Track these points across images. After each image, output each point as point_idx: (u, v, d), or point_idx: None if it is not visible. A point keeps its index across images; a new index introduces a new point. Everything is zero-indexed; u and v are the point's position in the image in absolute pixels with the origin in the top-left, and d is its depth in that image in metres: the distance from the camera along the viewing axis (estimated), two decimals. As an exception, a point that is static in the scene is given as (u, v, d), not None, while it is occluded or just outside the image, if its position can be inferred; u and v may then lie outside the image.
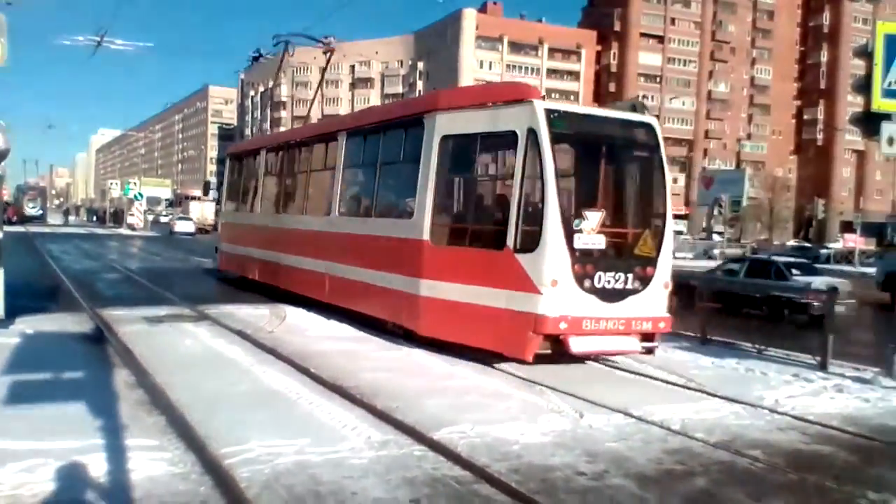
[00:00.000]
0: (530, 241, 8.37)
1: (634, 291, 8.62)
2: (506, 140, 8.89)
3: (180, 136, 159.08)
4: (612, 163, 9.78)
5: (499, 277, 8.60)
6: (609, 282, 8.46)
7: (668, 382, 8.26)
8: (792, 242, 62.43)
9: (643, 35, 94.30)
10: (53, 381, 7.03)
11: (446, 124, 9.52)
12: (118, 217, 64.60)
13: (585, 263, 8.33)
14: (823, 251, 48.13)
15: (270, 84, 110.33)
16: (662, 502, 4.71)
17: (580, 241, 8.31)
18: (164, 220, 57.41)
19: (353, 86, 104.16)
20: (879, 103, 8.87)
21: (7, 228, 10.87)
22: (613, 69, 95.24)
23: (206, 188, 54.38)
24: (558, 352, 8.42)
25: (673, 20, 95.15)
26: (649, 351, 9.07)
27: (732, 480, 5.18)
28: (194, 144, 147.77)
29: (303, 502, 4.42)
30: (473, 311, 8.84)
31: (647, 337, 8.94)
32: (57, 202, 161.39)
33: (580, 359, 9.01)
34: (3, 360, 7.70)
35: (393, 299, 10.26)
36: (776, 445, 6.09)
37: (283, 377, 7.63)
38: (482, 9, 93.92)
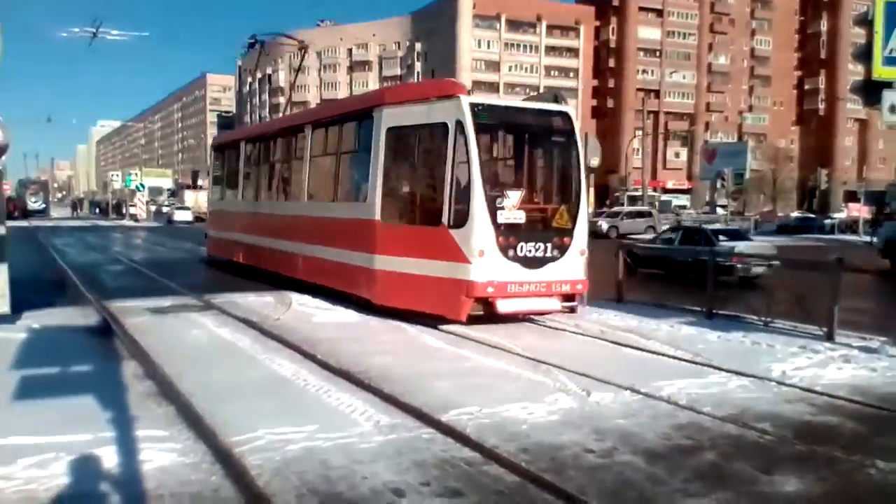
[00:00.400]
0: (460, 218, 9.66)
1: (553, 259, 9.99)
2: (439, 130, 10.04)
3: (179, 125, 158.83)
4: (531, 147, 11.25)
5: (437, 250, 9.90)
6: (530, 251, 9.82)
7: (674, 357, 8.26)
8: (796, 213, 62.22)
9: (642, 9, 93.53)
10: (61, 375, 7.07)
11: (391, 117, 10.77)
12: (121, 209, 64.69)
13: (508, 236, 9.66)
14: (828, 221, 48.04)
15: (268, 71, 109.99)
16: (672, 477, 4.73)
17: (503, 217, 9.61)
18: (165, 210, 57.69)
19: (350, 69, 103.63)
20: (880, 71, 8.80)
21: (10, 223, 10.88)
22: (612, 44, 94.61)
23: (195, 178, 54.51)
24: (489, 313, 9.74)
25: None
26: (571, 310, 10.47)
27: (741, 454, 5.19)
28: (194, 133, 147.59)
29: (314, 488, 4.44)
30: (418, 280, 10.17)
31: (568, 297, 10.35)
32: (59, 195, 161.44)
33: (509, 318, 10.18)
34: (10, 356, 7.73)
35: (353, 274, 11.52)
36: (784, 417, 6.10)
37: (290, 364, 7.65)
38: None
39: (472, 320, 9.77)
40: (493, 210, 9.56)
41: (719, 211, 52.58)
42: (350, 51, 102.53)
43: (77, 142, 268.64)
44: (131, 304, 11.75)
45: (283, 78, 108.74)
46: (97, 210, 80.00)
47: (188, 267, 20.20)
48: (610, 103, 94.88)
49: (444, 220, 9.82)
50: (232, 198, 18.66)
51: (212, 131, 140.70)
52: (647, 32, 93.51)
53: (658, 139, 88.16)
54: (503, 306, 9.75)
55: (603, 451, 5.20)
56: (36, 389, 6.43)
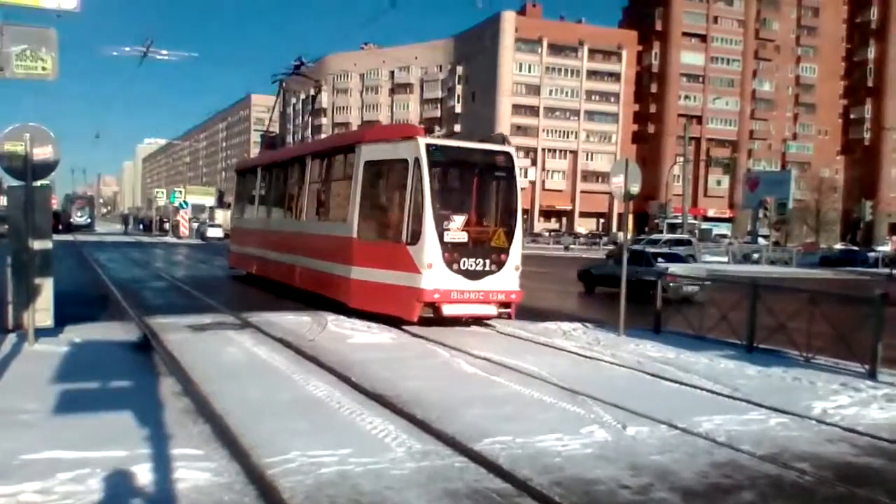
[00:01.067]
0: (415, 237, 11.74)
1: (491, 272, 12.03)
2: (402, 165, 12.13)
3: (224, 144, 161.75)
4: (477, 179, 13.12)
5: (397, 263, 11.97)
6: (471, 265, 11.88)
7: (713, 392, 8.10)
8: (839, 245, 60.94)
9: (685, 34, 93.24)
10: (101, 390, 7.18)
11: (368, 152, 12.98)
12: (164, 225, 65.89)
13: (453, 252, 11.75)
14: (872, 254, 46.95)
15: (312, 92, 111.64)
16: (708, 517, 4.62)
17: (448, 237, 11.78)
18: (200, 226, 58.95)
19: (392, 91, 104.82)
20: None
21: (55, 237, 11.15)
22: (655, 69, 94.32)
23: (221, 198, 56.09)
24: (437, 316, 11.81)
25: (716, 18, 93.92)
26: (507, 315, 12.49)
27: (780, 494, 5.06)
28: (238, 152, 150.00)
29: (345, 514, 4.43)
30: (382, 287, 12.22)
31: (504, 305, 12.36)
32: (105, 210, 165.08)
33: (452, 320, 12.13)
34: (52, 369, 7.88)
35: (335, 282, 13.62)
36: (825, 458, 5.94)
37: (324, 385, 7.68)
38: (521, 11, 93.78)
39: (423, 321, 11.80)
40: (440, 231, 11.70)
41: (761, 241, 51.70)
42: (392, 73, 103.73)
43: (123, 158, 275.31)
44: (171, 321, 11.93)
45: (325, 99, 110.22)
46: (141, 226, 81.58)
47: (227, 284, 20.47)
48: (651, 129, 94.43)
49: (403, 238, 11.97)
50: (248, 216, 21.00)
51: (255, 150, 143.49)
52: (690, 58, 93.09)
53: (699, 166, 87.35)
54: (447, 310, 11.87)
55: (639, 487, 5.10)
56: (75, 403, 6.54)
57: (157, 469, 4.97)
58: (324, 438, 5.75)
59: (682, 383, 8.53)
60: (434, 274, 11.60)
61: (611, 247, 44.68)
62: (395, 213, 12.59)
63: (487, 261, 12.04)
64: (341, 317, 12.81)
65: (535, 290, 22.99)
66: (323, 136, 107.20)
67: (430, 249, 11.60)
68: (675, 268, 18.69)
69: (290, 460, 5.23)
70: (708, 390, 8.19)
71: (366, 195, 12.99)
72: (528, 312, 13.46)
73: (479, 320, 12.77)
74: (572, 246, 61.46)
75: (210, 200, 79.30)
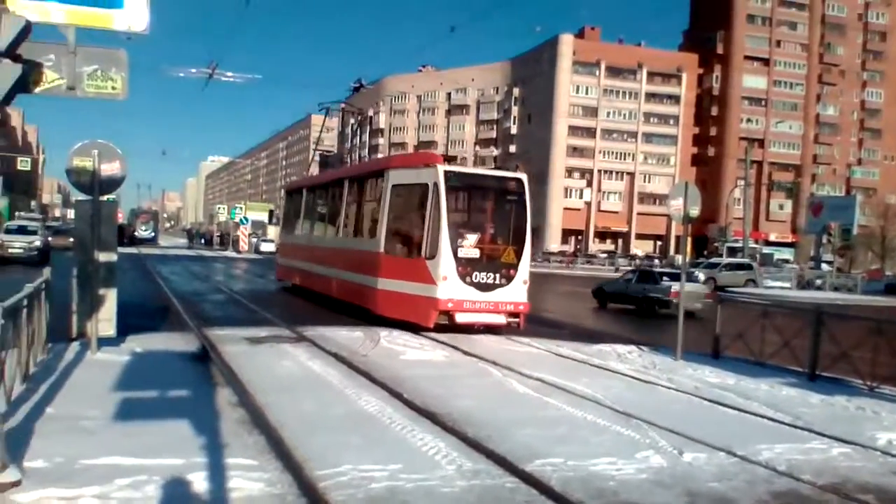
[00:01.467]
0: (433, 252, 13.18)
1: (501, 285, 13.45)
2: (423, 188, 13.59)
3: (284, 162, 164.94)
4: (490, 203, 14.75)
5: (417, 275, 13.39)
6: (483, 278, 13.30)
7: (774, 420, 7.86)
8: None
9: (747, 58, 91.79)
10: (160, 399, 7.34)
11: (395, 177, 14.53)
12: (224, 240, 67.36)
13: (466, 266, 13.19)
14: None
15: (370, 113, 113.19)
16: (768, 549, 4.46)
17: (462, 253, 13.22)
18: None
19: (448, 112, 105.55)
20: None
21: (120, 250, 11.48)
22: (716, 92, 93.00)
23: (271, 216, 58.23)
24: (451, 323, 13.15)
25: (779, 42, 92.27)
26: (516, 325, 13.81)
27: (845, 529, 4.86)
28: (297, 171, 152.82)
29: (394, 530, 4.41)
30: (404, 296, 13.69)
31: (513, 315, 13.71)
32: (168, 225, 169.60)
33: (466, 327, 13.47)
34: (113, 378, 8.08)
35: (365, 292, 15.01)
36: (890, 490, 5.70)
37: (376, 401, 7.70)
38: (580, 34, 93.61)
39: (438, 328, 13.17)
40: (455, 247, 13.15)
41: (824, 267, 50.17)
42: (449, 95, 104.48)
43: (187, 175, 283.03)
44: (229, 333, 12.15)
45: (383, 120, 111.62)
46: (202, 241, 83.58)
47: (282, 298, 20.76)
48: (711, 151, 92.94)
49: (423, 253, 13.43)
50: (294, 232, 22.78)
51: (314, 169, 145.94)
52: (752, 81, 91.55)
53: (761, 190, 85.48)
54: (460, 318, 13.26)
55: (694, 514, 4.97)
56: (135, 411, 6.69)
57: (212, 478, 5.05)
58: (375, 453, 5.75)
59: (741, 410, 8.29)
60: (449, 285, 13.07)
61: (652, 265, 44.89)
62: (416, 230, 13.89)
63: (498, 275, 13.48)
64: (394, 332, 12.89)
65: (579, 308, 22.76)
66: (380, 155, 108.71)
67: (445, 263, 13.09)
68: (677, 286, 18.81)
69: (341, 473, 5.25)
70: (769, 418, 7.95)
71: (392, 215, 14.50)
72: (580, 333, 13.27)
73: (507, 329, 13.91)
74: (623, 267, 60.79)
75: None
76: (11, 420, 6.03)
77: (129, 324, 10.98)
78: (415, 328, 13.32)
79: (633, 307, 22.39)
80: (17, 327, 7.09)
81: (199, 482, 4.96)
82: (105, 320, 9.77)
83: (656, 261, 69.22)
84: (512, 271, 13.59)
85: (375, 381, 8.70)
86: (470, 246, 13.41)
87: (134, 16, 5.69)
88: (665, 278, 22.21)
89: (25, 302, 7.54)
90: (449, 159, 15.04)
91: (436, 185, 13.21)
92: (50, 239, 33.33)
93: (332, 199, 19.34)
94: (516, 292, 13.61)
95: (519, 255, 13.77)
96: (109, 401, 6.97)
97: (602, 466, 5.81)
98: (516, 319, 13.81)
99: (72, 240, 35.33)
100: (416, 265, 13.55)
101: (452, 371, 9.94)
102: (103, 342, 9.60)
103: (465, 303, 13.18)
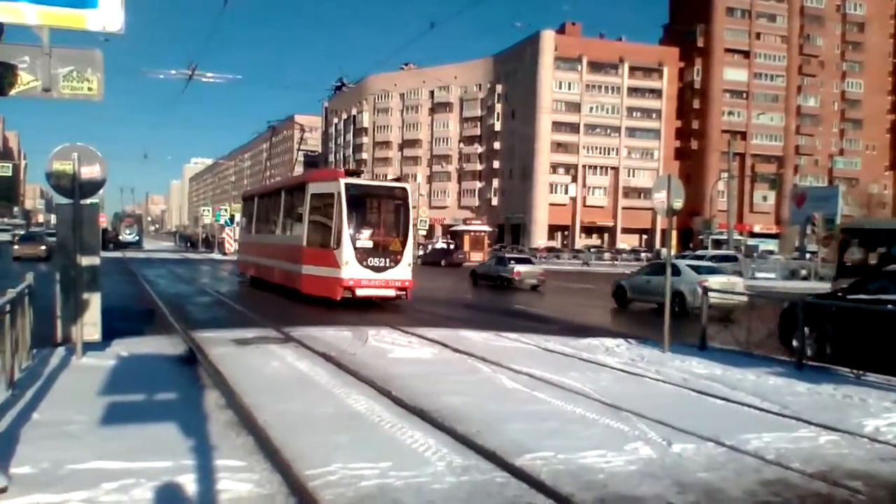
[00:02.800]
0: (338, 243, 17.43)
1: (390, 267, 17.81)
2: (331, 196, 17.96)
3: (268, 163, 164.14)
4: (379, 206, 19.19)
5: (327, 261, 17.74)
6: (376, 263, 17.62)
7: (761, 409, 7.89)
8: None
9: (728, 50, 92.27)
10: (147, 402, 7.29)
11: (313, 188, 19.14)
12: (210, 242, 67.02)
13: (363, 254, 17.46)
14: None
15: (353, 112, 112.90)
16: (758, 537, 4.48)
17: (359, 244, 17.54)
18: None
19: (432, 110, 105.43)
20: None
21: (103, 254, 11.39)
22: (697, 85, 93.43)
23: (232, 219, 60.49)
24: (353, 297, 17.34)
25: (758, 35, 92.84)
26: (404, 296, 18.23)
27: (834, 515, 4.90)
28: (282, 171, 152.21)
29: (385, 527, 4.40)
30: (320, 278, 18.04)
31: (400, 289, 18.05)
32: (153, 228, 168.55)
33: (365, 300, 17.82)
34: (99, 382, 8.03)
35: (294, 276, 19.57)
36: (878, 476, 5.74)
37: (365, 399, 7.68)
38: (560, 30, 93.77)
39: (343, 301, 17.30)
40: (354, 239, 17.52)
41: (808, 257, 50.56)
42: (432, 93, 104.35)
43: (171, 177, 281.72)
44: (216, 335, 12.10)
45: (367, 119, 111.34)
46: (187, 243, 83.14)
47: (271, 300, 20.67)
48: (694, 145, 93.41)
49: (332, 244, 17.72)
50: (248, 233, 27.66)
51: (298, 169, 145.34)
52: (733, 74, 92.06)
53: (744, 182, 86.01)
54: (360, 292, 17.54)
55: (684, 504, 4.98)
56: (122, 415, 6.64)
57: (201, 480, 5.01)
58: (364, 452, 5.74)
59: (729, 400, 8.33)
60: (350, 268, 17.32)
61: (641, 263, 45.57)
62: (326, 228, 18.17)
63: (387, 259, 17.86)
64: (382, 331, 12.88)
65: (579, 305, 22.81)
66: (364, 154, 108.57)
67: (346, 252, 17.36)
68: (518, 267, 30.48)
69: (331, 472, 5.23)
70: (756, 407, 7.98)
71: (311, 217, 19.01)
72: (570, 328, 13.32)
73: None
74: (616, 262, 61.57)
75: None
76: (-4, 427, 5.98)
77: (114, 328, 10.93)
78: (403, 327, 13.45)
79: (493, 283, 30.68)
80: (0, 333, 7.02)
81: (188, 484, 4.93)
82: (90, 325, 9.69)
83: (643, 254, 69.58)
84: (399, 257, 18.05)
85: (364, 380, 8.68)
86: (365, 238, 17.80)
87: (108, 16, 5.62)
88: (511, 262, 30.96)
89: (8, 308, 7.47)
90: (351, 173, 20.09)
91: (339, 193, 17.52)
92: (15, 247, 33.81)
93: (272, 206, 23.74)
94: (402, 272, 18.09)
95: (403, 244, 18.31)
96: (96, 405, 6.92)
97: (592, 459, 5.82)
98: (403, 292, 18.21)
99: (42, 248, 35.44)
100: (326, 254, 17.89)
101: (441, 368, 9.92)
102: (88, 347, 9.53)
103: (363, 281, 17.50)
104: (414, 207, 20.60)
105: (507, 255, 34.34)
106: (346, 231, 17.28)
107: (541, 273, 30.87)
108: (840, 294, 11.78)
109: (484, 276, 31.90)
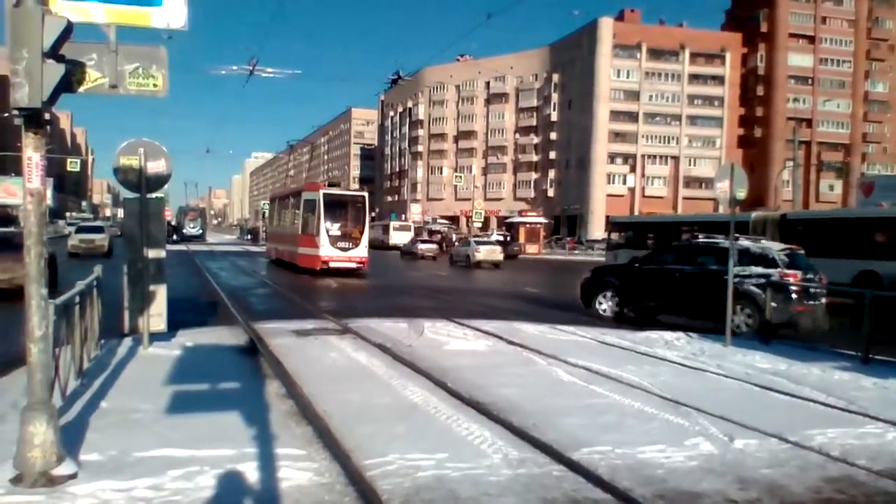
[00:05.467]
0: (319, 232, 26.04)
1: (352, 248, 26.49)
2: (315, 202, 26.51)
3: (326, 157, 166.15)
4: (346, 208, 27.17)
5: (312, 245, 26.51)
6: (343, 245, 26.32)
7: (826, 405, 7.68)
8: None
9: (792, 35, 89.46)
10: (210, 392, 7.48)
11: (305, 195, 27.89)
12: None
13: (334, 239, 26.17)
14: None
15: (409, 105, 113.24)
16: (823, 536, 4.37)
17: (332, 232, 26.21)
18: None
19: (488, 101, 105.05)
20: None
21: (169, 247, 11.69)
22: (761, 72, 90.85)
23: (256, 215, 64.24)
24: (328, 268, 26.02)
25: (824, 19, 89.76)
26: (363, 266, 26.84)
27: (904, 515, 4.74)
28: (339, 165, 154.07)
29: (442, 518, 4.43)
30: (308, 256, 26.84)
31: (360, 263, 26.66)
32: (215, 222, 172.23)
33: (336, 271, 26.29)
34: (165, 372, 8.26)
35: (295, 256, 28.29)
36: (954, 477, 5.52)
37: (421, 391, 7.73)
38: (619, 17, 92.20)
39: (323, 272, 25.66)
40: (328, 230, 25.95)
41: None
42: (488, 84, 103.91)
43: (232, 172, 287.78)
44: (276, 326, 12.31)
45: (422, 111, 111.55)
46: (248, 236, 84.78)
47: (328, 292, 20.99)
48: (758, 133, 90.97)
49: (314, 233, 26.22)
50: (272, 225, 38.67)
51: (355, 163, 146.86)
52: (798, 59, 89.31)
53: (810, 171, 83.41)
54: (332, 265, 25.84)
55: (746, 501, 4.89)
56: (186, 404, 6.83)
57: (262, 468, 5.13)
58: (421, 442, 5.78)
59: (793, 395, 8.12)
60: (325, 249, 26.04)
61: None
62: (312, 222, 26.78)
63: (350, 243, 26.58)
64: (437, 324, 12.92)
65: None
66: (419, 147, 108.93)
67: (323, 238, 26.06)
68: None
69: (388, 463, 5.29)
70: (821, 403, 7.77)
71: (303, 214, 27.72)
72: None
73: None
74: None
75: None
76: (67, 414, 6.21)
77: (179, 319, 11.19)
78: (458, 319, 13.57)
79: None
80: (70, 324, 7.28)
81: (250, 472, 5.05)
82: (156, 315, 9.94)
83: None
84: (358, 241, 26.80)
85: (420, 371, 8.74)
86: (336, 229, 26.40)
87: (172, 13, 5.76)
88: (475, 244, 40.41)
89: (78, 299, 7.74)
90: (331, 184, 33.70)
91: (319, 199, 26.44)
92: (70, 242, 32.77)
93: (284, 207, 33.58)
94: (361, 251, 26.88)
95: (361, 233, 27.04)
96: (161, 394, 7.12)
97: (650, 454, 5.75)
98: (362, 265, 26.95)
99: (103, 241, 37.22)
100: (312, 239, 26.66)
101: (496, 360, 9.91)
102: (155, 337, 9.80)
103: (334, 257, 26.23)
104: (371, 212, 34.51)
105: (474, 239, 44.33)
106: (323, 224, 26.05)
107: (500, 253, 40.09)
108: (637, 265, 15.62)
109: (458, 259, 40.85)
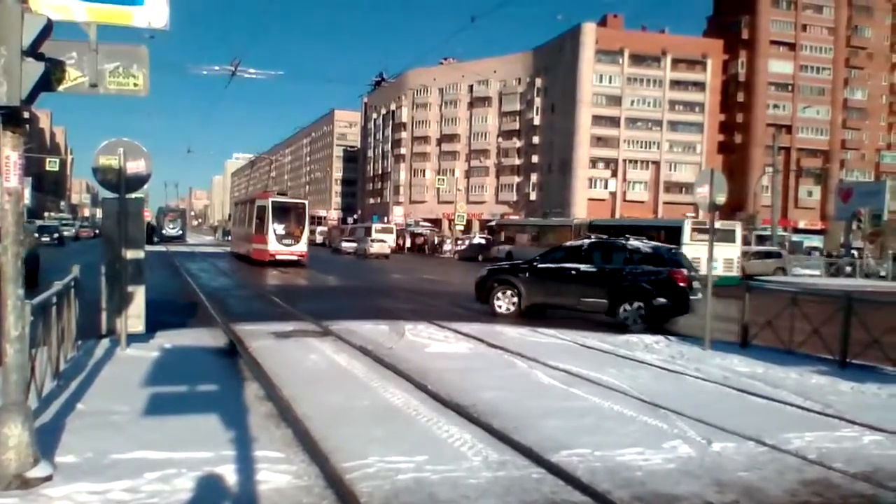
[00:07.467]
0: (268, 231, 33.44)
1: (294, 244, 33.97)
2: (265, 208, 34.12)
3: (308, 158, 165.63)
4: (291, 213, 34.66)
5: (263, 242, 33.63)
6: (287, 242, 33.67)
7: (804, 409, 7.76)
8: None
9: (773, 42, 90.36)
10: (188, 394, 7.42)
11: (258, 202, 35.39)
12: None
13: (280, 237, 33.52)
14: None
15: (392, 107, 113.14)
16: (799, 538, 4.41)
17: (278, 232, 33.58)
18: None
19: (471, 105, 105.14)
20: None
21: (148, 248, 11.60)
22: (742, 78, 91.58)
23: (230, 217, 67.39)
24: (275, 260, 33.14)
25: (805, 27, 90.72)
26: (301, 260, 34.02)
27: (878, 517, 4.79)
28: (321, 167, 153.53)
29: (421, 521, 4.42)
30: (260, 251, 33.81)
31: (301, 256, 34.12)
32: (196, 222, 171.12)
33: (285, 263, 33.11)
34: (142, 373, 8.19)
35: (250, 251, 35.32)
36: (928, 480, 5.59)
37: (401, 393, 7.72)
38: (602, 22, 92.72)
39: (271, 262, 32.66)
40: (275, 230, 33.39)
41: (854, 254, 49.36)
42: (471, 87, 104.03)
43: (213, 172, 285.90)
44: (255, 328, 12.25)
45: (405, 114, 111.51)
46: (228, 237, 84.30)
47: (309, 293, 20.90)
48: (738, 139, 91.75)
49: (265, 233, 33.38)
50: (235, 225, 45.81)
51: (338, 165, 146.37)
52: (778, 66, 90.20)
53: (789, 176, 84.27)
54: (278, 257, 33.05)
55: None
56: (164, 406, 6.77)
57: (241, 470, 5.09)
58: (401, 445, 5.78)
59: (770, 399, 8.20)
60: (273, 245, 32.86)
61: None
62: (264, 224, 33.22)
63: (293, 241, 33.45)
64: (419, 326, 12.93)
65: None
66: (402, 149, 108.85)
67: (271, 236, 32.93)
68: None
69: (367, 465, 5.28)
70: (798, 406, 7.85)
71: (256, 217, 34.13)
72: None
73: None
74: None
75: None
76: (43, 416, 6.14)
77: (157, 320, 11.11)
78: (439, 322, 13.62)
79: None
80: (47, 324, 7.20)
81: (228, 474, 5.01)
82: (134, 317, 9.87)
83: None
84: (299, 239, 33.66)
85: (400, 374, 8.73)
86: (281, 229, 33.12)
87: (154, 12, 5.72)
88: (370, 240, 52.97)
89: (55, 299, 7.66)
90: (280, 194, 39.96)
91: (269, 205, 33.44)
92: None
93: (243, 210, 40.12)
94: (301, 248, 33.79)
95: (301, 232, 33.95)
96: (139, 396, 7.06)
97: (629, 456, 5.78)
98: (303, 257, 33.70)
99: (91, 233, 38.21)
100: (263, 238, 33.11)
101: (477, 363, 9.93)
102: (132, 338, 9.72)
103: (280, 251, 32.85)
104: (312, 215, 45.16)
105: (369, 237, 55.49)
106: (272, 226, 32.95)
107: (390, 247, 53.25)
108: (534, 264, 16.42)
109: (354, 252, 53.09)
